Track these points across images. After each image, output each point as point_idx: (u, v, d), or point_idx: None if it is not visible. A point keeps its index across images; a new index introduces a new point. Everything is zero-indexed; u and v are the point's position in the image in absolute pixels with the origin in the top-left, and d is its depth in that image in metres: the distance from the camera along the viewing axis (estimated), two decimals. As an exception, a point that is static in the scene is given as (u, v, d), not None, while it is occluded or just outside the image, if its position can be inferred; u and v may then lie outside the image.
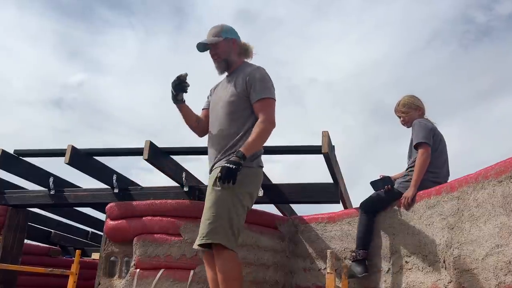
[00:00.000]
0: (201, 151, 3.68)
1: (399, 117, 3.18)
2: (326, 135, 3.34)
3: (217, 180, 2.21)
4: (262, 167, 2.49)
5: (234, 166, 2.18)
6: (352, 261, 2.93)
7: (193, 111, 2.67)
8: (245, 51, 2.62)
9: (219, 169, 2.26)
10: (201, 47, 2.54)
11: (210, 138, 2.54)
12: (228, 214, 2.22)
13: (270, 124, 2.37)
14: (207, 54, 2.58)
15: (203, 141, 2.76)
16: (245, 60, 2.63)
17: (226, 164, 2.20)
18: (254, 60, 2.64)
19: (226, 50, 2.53)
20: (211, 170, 2.45)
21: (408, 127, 3.15)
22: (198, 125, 2.68)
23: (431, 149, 2.86)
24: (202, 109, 2.75)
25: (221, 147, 2.41)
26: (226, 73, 2.62)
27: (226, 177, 2.16)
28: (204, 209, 2.29)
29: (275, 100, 2.45)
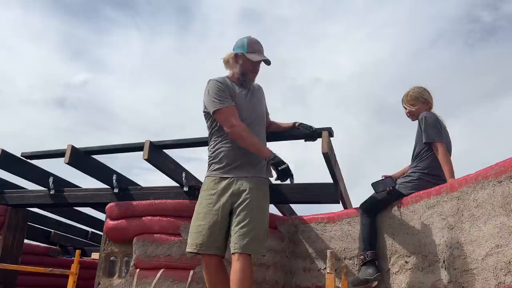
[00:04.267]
0: (196, 141, 3.64)
1: (405, 108, 3.12)
2: (326, 135, 3.32)
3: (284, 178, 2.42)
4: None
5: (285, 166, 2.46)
6: (362, 265, 2.85)
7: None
8: None
9: (257, 181, 2.47)
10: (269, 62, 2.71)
11: (241, 146, 2.52)
12: (267, 225, 2.48)
13: None
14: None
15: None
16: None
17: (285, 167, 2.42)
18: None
19: None
20: (236, 173, 2.52)
21: (413, 120, 3.10)
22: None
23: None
24: (233, 106, 2.54)
25: (256, 157, 2.54)
26: (227, 79, 2.70)
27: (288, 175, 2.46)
28: (246, 218, 2.35)
29: None
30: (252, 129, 2.55)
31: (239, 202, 2.39)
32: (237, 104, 2.55)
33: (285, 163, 2.41)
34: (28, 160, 4.43)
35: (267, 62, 2.69)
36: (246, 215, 2.34)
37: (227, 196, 2.43)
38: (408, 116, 3.12)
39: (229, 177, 2.47)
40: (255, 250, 2.32)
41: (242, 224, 2.32)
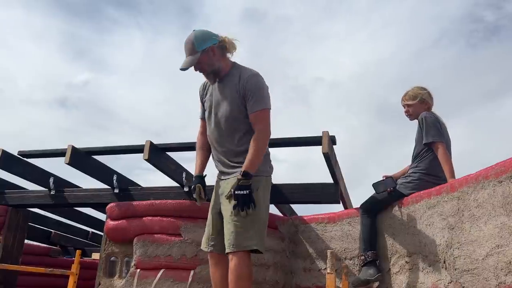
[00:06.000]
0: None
1: (403, 107, 3.12)
2: (326, 135, 3.33)
3: (235, 208, 2.26)
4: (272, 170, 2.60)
5: (247, 192, 2.25)
6: (362, 266, 2.85)
7: (205, 160, 2.69)
8: (229, 46, 2.50)
9: (233, 181, 2.34)
10: (185, 69, 2.43)
11: (215, 146, 2.55)
12: (264, 219, 2.40)
13: (266, 137, 2.43)
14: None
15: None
16: (232, 60, 2.55)
17: (239, 192, 2.25)
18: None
19: (208, 62, 2.43)
20: (221, 176, 2.56)
21: (411, 119, 3.10)
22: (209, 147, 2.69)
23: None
24: (201, 119, 2.71)
25: (229, 155, 2.48)
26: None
27: (244, 205, 2.24)
28: (227, 218, 2.33)
29: (270, 109, 2.45)
30: (221, 125, 2.49)
31: (222, 203, 2.43)
32: (206, 100, 2.61)
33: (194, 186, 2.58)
34: (28, 160, 4.43)
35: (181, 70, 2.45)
36: (227, 215, 2.35)
37: (217, 197, 2.52)
38: (407, 115, 3.13)
39: (219, 180, 2.57)
40: (239, 244, 2.26)
41: (226, 223, 2.35)
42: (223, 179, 2.52)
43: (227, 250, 2.29)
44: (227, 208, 2.36)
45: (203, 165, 2.66)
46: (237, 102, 2.41)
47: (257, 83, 2.42)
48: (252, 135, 2.39)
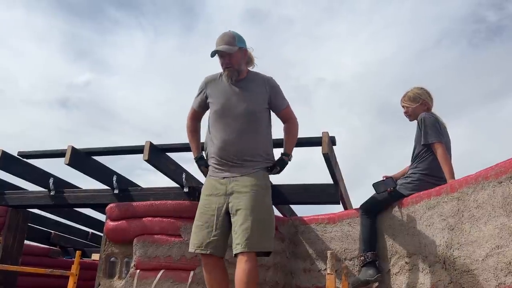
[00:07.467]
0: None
1: (403, 107, 3.13)
2: (326, 136, 3.33)
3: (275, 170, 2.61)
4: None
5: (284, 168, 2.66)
6: (362, 267, 2.85)
7: (200, 142, 2.84)
8: (250, 60, 2.71)
9: (250, 178, 2.45)
10: (214, 53, 2.56)
11: (228, 143, 2.52)
12: (273, 222, 2.45)
13: (298, 128, 2.79)
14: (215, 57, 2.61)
15: (202, 135, 2.86)
16: (249, 68, 2.71)
17: (283, 169, 2.65)
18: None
19: (239, 60, 2.59)
20: (224, 174, 2.53)
21: (410, 120, 3.10)
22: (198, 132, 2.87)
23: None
24: (194, 108, 2.78)
25: (245, 152, 2.51)
26: (222, 74, 2.67)
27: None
28: (244, 217, 2.31)
29: None
30: (242, 123, 2.52)
31: (235, 202, 2.38)
32: (216, 97, 2.64)
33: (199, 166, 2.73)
34: (27, 161, 4.43)
35: (211, 54, 2.56)
36: (245, 214, 2.31)
37: (222, 196, 2.44)
38: (406, 116, 3.13)
39: (223, 178, 2.49)
40: (259, 246, 2.26)
41: (241, 222, 2.30)
42: (235, 177, 2.45)
43: (242, 250, 2.23)
44: (246, 206, 2.33)
45: (200, 147, 2.79)
46: (263, 99, 2.62)
47: (276, 83, 2.70)
48: (261, 134, 2.58)
